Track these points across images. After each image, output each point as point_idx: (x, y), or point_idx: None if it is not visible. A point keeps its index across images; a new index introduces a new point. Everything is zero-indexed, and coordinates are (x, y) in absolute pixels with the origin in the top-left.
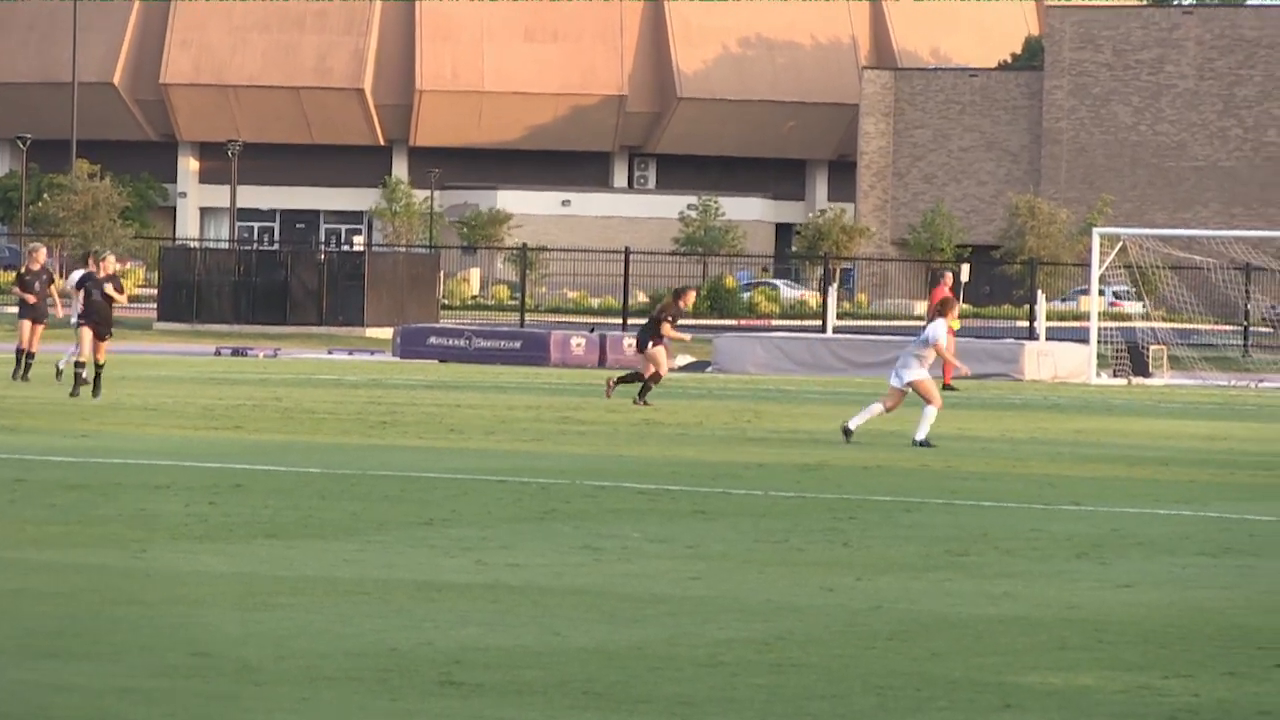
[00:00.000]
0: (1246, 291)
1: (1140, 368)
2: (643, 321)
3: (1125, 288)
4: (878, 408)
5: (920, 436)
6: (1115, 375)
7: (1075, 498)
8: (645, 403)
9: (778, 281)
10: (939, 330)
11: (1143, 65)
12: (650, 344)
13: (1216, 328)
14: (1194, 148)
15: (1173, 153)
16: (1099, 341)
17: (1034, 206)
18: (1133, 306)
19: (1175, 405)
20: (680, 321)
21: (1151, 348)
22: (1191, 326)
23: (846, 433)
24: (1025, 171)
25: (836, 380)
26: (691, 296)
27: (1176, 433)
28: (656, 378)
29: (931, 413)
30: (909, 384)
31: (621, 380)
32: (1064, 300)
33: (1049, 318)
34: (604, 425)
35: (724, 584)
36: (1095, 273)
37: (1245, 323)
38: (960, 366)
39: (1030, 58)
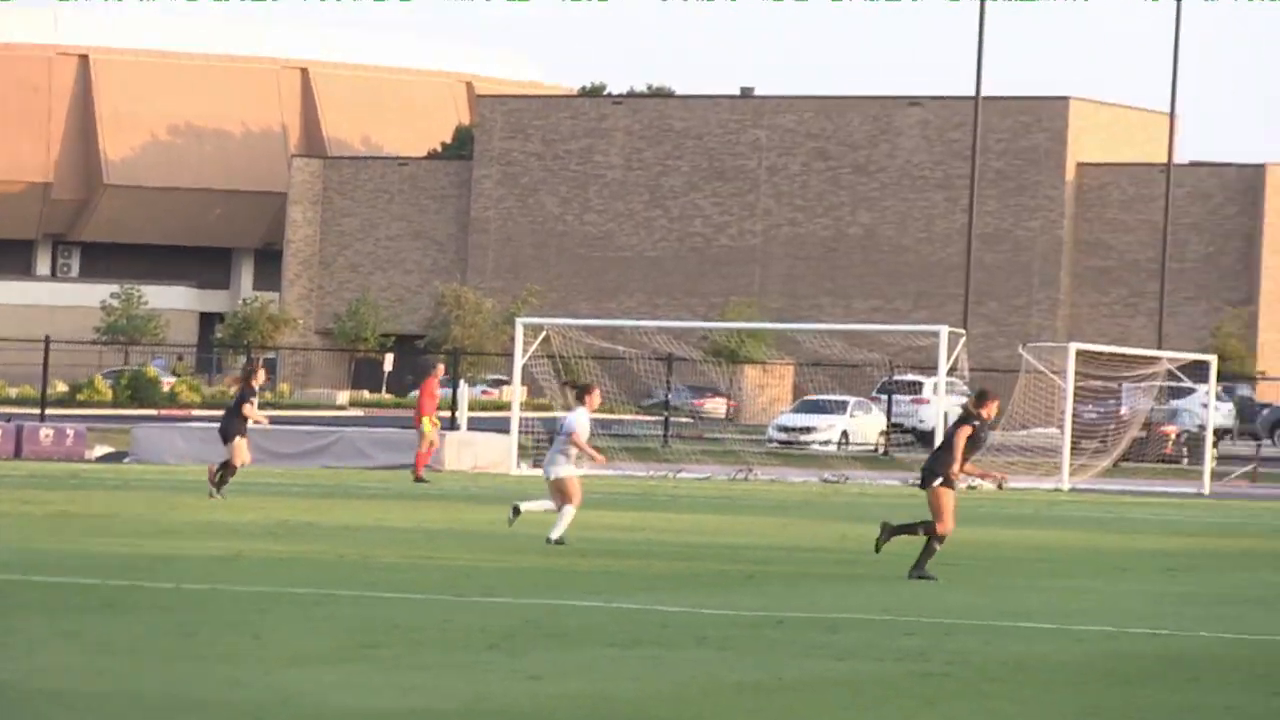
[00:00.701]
0: (668, 382)
1: None
2: (63, 411)
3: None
4: (550, 505)
5: (554, 535)
6: (536, 466)
7: (489, 588)
8: (221, 494)
9: (158, 366)
10: (578, 420)
11: (572, 155)
12: (235, 434)
13: (638, 417)
14: (620, 237)
15: (599, 242)
16: (520, 431)
17: (460, 296)
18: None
19: (595, 496)
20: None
21: None
22: (614, 417)
23: (515, 511)
24: (452, 260)
25: (256, 471)
26: (261, 374)
27: (594, 523)
28: (233, 469)
29: (570, 512)
30: (554, 480)
31: (223, 472)
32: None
33: (472, 408)
34: (17, 516)
35: (128, 680)
36: (519, 362)
37: (666, 413)
38: (596, 456)
39: (460, 147)
